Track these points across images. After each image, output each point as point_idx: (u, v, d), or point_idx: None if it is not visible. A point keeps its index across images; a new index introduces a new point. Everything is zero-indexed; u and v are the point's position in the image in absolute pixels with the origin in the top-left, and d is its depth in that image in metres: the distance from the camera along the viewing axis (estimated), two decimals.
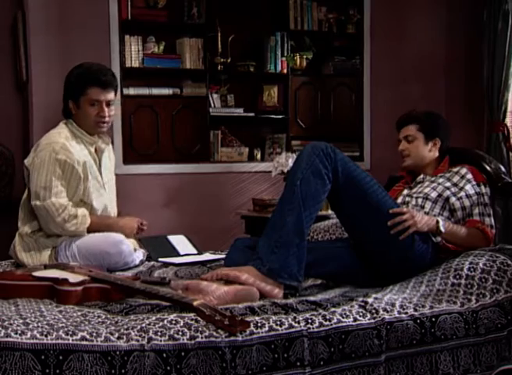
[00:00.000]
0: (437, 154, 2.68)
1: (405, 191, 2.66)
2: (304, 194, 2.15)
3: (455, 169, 2.60)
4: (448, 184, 2.55)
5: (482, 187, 2.56)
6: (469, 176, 2.56)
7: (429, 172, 2.67)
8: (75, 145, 2.67)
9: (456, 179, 2.56)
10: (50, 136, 2.68)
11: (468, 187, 2.53)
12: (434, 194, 2.53)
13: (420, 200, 2.53)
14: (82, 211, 2.64)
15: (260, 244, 2.17)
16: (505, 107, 4.36)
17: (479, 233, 2.46)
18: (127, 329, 1.68)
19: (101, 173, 2.76)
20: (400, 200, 2.61)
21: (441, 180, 2.58)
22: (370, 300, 2.00)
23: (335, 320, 1.85)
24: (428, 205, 2.51)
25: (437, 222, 2.37)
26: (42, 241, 2.64)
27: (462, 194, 2.51)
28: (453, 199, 2.51)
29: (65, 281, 1.96)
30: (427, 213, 2.48)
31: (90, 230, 2.66)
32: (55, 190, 2.59)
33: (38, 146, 2.66)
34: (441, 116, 2.78)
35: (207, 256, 2.87)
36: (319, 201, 2.20)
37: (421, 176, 2.67)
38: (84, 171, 2.66)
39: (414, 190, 2.63)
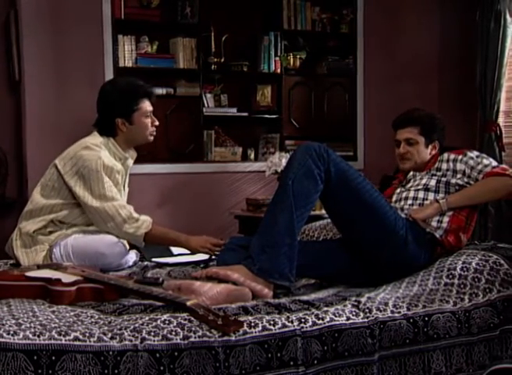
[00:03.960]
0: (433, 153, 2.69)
1: (398, 190, 2.67)
2: (296, 193, 2.15)
3: (439, 159, 2.63)
4: (440, 173, 2.57)
5: (468, 153, 2.59)
6: (452, 156, 2.60)
7: (420, 169, 2.68)
8: (109, 157, 2.69)
9: (445, 166, 2.59)
10: (89, 146, 2.64)
11: (458, 164, 2.56)
12: (433, 182, 2.54)
13: (420, 192, 2.54)
14: (145, 217, 2.63)
15: (252, 243, 2.18)
16: (497, 107, 4.36)
17: (494, 177, 2.47)
18: (120, 329, 1.67)
19: (124, 188, 2.80)
20: (394, 198, 2.62)
21: (434, 172, 2.60)
22: (363, 299, 2.01)
23: (328, 319, 1.85)
24: (431, 195, 2.51)
25: (436, 201, 2.43)
26: (39, 240, 2.63)
27: (459, 175, 2.54)
28: (453, 181, 2.53)
29: (58, 281, 1.96)
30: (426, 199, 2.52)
31: (149, 240, 2.61)
32: (110, 195, 2.59)
33: (80, 156, 2.60)
34: (439, 117, 2.76)
35: (200, 256, 2.87)
36: (311, 201, 2.20)
37: (411, 173, 2.68)
38: (121, 181, 2.71)
39: (408, 185, 2.63)
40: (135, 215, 2.61)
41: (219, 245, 2.56)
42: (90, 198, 2.59)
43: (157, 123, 2.80)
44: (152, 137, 2.82)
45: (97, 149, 2.63)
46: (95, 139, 2.70)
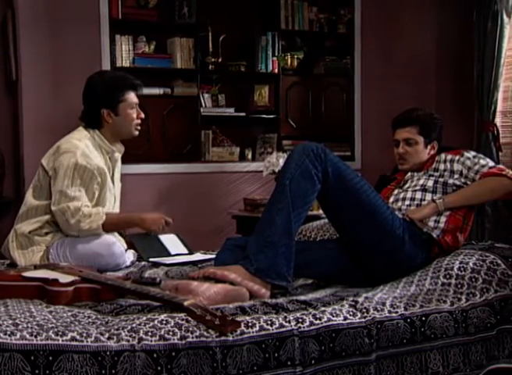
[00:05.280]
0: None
1: (396, 191, 2.67)
2: (294, 194, 2.15)
3: (437, 159, 2.64)
4: (438, 173, 2.58)
5: (465, 153, 2.60)
6: (449, 156, 2.60)
7: (418, 169, 2.68)
8: (93, 151, 2.67)
9: (442, 166, 2.59)
10: (71, 140, 2.65)
11: (455, 165, 2.57)
12: (431, 183, 2.55)
13: (417, 193, 2.54)
14: (96, 209, 2.63)
15: (249, 243, 2.18)
16: (495, 107, 4.37)
17: (491, 177, 2.48)
18: (118, 329, 1.67)
19: (113, 183, 2.78)
20: (391, 199, 2.62)
21: (431, 172, 2.61)
22: (360, 299, 2.01)
23: (325, 319, 1.85)
24: (428, 196, 2.52)
25: (433, 201, 2.44)
26: (36, 240, 2.63)
27: (456, 175, 2.55)
28: (450, 181, 2.54)
29: (55, 281, 1.95)
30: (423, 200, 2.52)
31: (107, 228, 2.62)
32: (72, 195, 2.57)
33: (58, 150, 2.63)
34: (438, 116, 2.75)
35: (198, 256, 2.87)
36: (308, 201, 2.20)
37: (409, 174, 2.69)
38: (103, 178, 2.67)
39: (405, 186, 2.64)
40: (86, 211, 2.58)
41: (170, 224, 2.70)
42: (53, 199, 2.58)
43: (142, 115, 2.79)
44: (137, 132, 2.81)
45: (78, 144, 2.62)
46: (80, 133, 2.69)
